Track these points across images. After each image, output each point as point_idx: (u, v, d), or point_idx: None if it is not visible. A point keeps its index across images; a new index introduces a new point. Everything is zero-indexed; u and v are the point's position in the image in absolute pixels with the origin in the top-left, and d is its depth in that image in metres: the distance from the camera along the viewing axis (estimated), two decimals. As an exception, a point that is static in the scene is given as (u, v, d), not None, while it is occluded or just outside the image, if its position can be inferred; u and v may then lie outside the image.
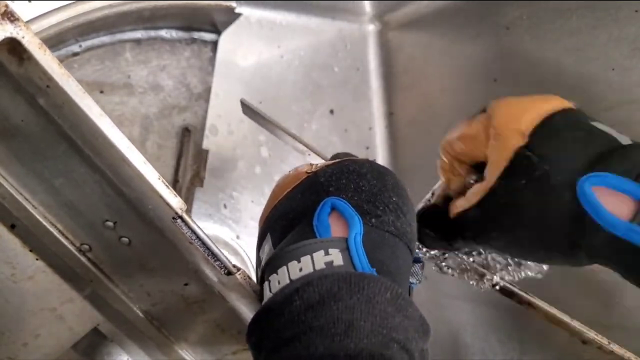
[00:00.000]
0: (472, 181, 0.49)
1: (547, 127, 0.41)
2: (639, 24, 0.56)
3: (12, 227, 0.42)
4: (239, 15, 0.70)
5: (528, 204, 0.41)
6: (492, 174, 0.43)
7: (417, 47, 0.88)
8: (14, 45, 0.29)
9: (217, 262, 0.39)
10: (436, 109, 0.84)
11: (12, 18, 0.28)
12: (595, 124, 0.41)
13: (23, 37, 0.28)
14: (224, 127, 0.82)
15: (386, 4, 0.92)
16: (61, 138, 0.36)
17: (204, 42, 0.76)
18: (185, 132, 0.75)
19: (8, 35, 0.28)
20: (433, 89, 0.85)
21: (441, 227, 0.50)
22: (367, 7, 0.94)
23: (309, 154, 0.56)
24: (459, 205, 0.47)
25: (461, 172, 0.50)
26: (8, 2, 0.29)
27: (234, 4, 0.74)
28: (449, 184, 0.52)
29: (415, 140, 0.89)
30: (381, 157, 0.94)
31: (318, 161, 0.56)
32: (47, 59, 0.29)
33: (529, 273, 0.50)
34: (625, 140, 0.39)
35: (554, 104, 0.43)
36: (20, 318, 0.45)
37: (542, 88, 0.66)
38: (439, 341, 0.79)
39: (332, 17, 0.94)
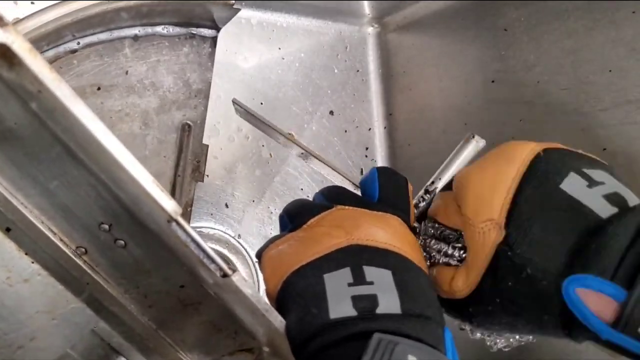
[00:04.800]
0: (450, 251, 0.45)
1: (520, 211, 0.38)
2: (635, 26, 0.56)
3: (7, 231, 0.42)
4: (237, 10, 0.70)
5: (520, 302, 0.38)
6: (474, 269, 0.40)
7: (415, 48, 0.89)
8: (3, 51, 0.28)
9: (213, 265, 0.39)
10: (434, 109, 0.85)
11: (1, 23, 0.28)
12: (570, 181, 0.38)
13: (13, 42, 0.28)
14: (225, 128, 0.83)
15: (385, 6, 0.93)
16: (55, 141, 0.36)
17: (203, 37, 0.76)
18: (185, 127, 0.75)
19: (-2, 40, 0.28)
20: (431, 90, 0.85)
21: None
22: (367, 9, 0.95)
23: (302, 152, 0.56)
24: (447, 289, 0.43)
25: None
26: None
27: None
28: None
29: (414, 141, 0.89)
30: (380, 158, 0.94)
31: (314, 162, 0.56)
32: (37, 64, 0.29)
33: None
34: (607, 209, 0.36)
35: (519, 162, 0.39)
36: (16, 321, 0.45)
37: (540, 89, 0.66)
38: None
39: (332, 20, 0.94)
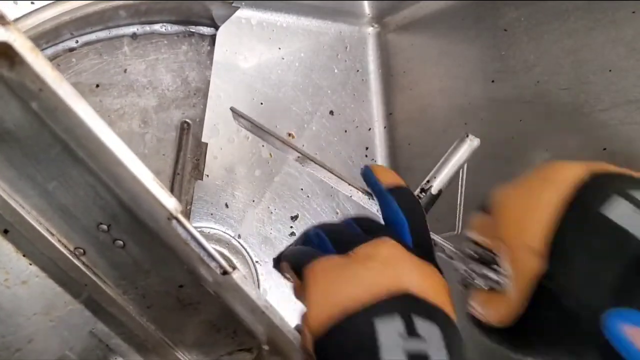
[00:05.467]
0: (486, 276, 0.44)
1: (563, 242, 0.37)
2: (635, 26, 0.56)
3: (5, 232, 0.42)
4: (236, 8, 0.70)
5: (558, 334, 0.38)
6: (516, 300, 0.39)
7: (415, 48, 0.88)
8: (5, 49, 0.28)
9: (213, 262, 0.39)
10: (435, 109, 0.84)
11: (2, 21, 0.28)
12: (617, 207, 0.36)
13: (15, 41, 0.28)
14: (225, 128, 0.83)
15: (385, 6, 0.92)
16: (54, 141, 0.36)
17: (202, 36, 0.76)
18: (184, 126, 0.75)
19: (-1, 39, 0.28)
20: (431, 89, 0.85)
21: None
22: (367, 9, 0.94)
23: (299, 156, 0.56)
24: (487, 316, 0.42)
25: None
26: (-2, 6, 0.28)
27: (230, -3, 0.73)
28: None
29: (414, 141, 0.89)
30: (380, 158, 0.94)
31: (312, 165, 0.56)
32: (39, 62, 0.29)
33: None
34: None
35: (562, 186, 0.38)
36: (14, 323, 0.45)
37: (540, 89, 0.66)
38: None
39: (332, 19, 0.94)
